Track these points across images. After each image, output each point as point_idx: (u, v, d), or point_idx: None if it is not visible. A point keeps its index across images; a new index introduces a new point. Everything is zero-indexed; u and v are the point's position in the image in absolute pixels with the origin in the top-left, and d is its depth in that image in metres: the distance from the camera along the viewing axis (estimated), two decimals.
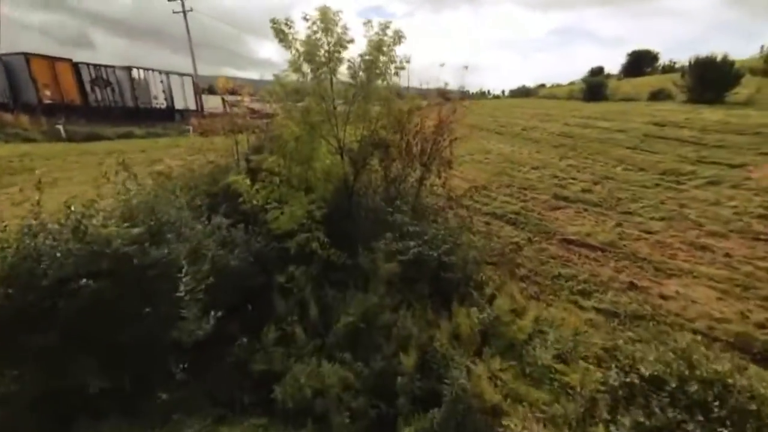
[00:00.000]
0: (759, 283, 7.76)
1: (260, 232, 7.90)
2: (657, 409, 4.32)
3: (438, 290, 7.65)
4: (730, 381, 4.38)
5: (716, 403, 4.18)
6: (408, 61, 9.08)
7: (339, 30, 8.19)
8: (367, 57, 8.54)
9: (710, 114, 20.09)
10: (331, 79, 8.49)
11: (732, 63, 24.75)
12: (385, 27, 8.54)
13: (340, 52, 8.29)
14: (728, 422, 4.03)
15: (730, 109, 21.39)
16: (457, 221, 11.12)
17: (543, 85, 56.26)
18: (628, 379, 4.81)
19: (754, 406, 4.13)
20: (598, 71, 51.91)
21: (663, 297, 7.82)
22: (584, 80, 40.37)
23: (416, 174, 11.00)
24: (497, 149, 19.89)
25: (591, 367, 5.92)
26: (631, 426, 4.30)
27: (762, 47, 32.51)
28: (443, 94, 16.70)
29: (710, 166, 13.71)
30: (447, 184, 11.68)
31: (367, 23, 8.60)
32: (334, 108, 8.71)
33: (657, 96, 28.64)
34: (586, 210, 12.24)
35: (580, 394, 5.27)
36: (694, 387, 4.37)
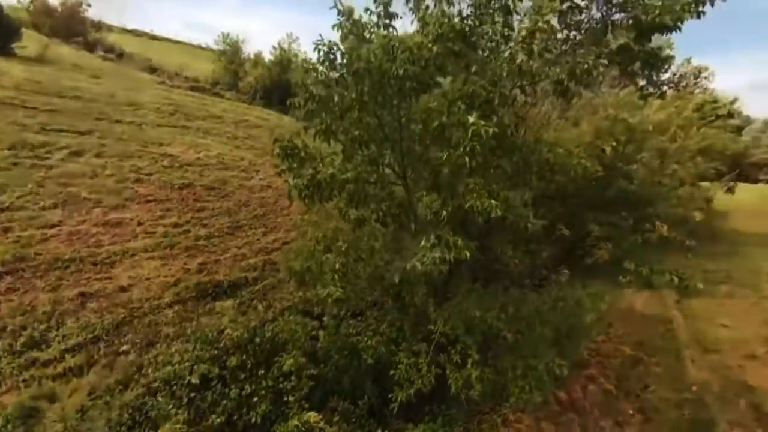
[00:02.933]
0: (176, 239, 9.54)
1: None
2: None
3: None
4: None
5: None
6: None
7: None
8: None
9: (15, 70, 17.81)
10: None
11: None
12: None
13: None
14: None
15: (29, 65, 20.04)
16: None
17: None
18: None
19: None
20: None
21: (123, 289, 7.56)
22: None
23: None
24: None
25: None
26: None
27: None
28: None
29: (60, 135, 12.97)
30: None
31: None
32: None
33: None
34: None
35: None
36: None
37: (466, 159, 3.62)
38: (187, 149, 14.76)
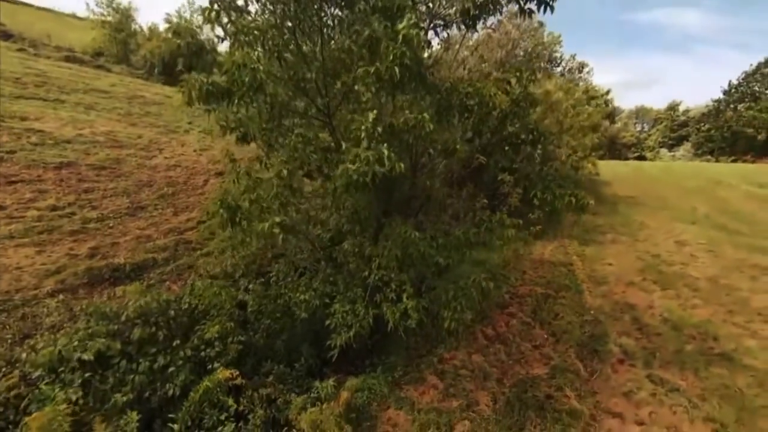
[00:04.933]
0: (55, 222, 7.90)
1: None
2: None
3: None
4: None
5: None
6: None
7: None
8: None
9: None
10: None
11: None
12: None
13: None
14: None
15: None
16: None
17: None
18: None
19: None
20: None
21: None
22: None
23: None
24: None
25: None
26: None
27: None
28: None
29: None
30: None
31: None
32: None
33: None
34: None
35: None
36: None
37: (396, 70, 3.51)
38: (63, 125, 12.29)
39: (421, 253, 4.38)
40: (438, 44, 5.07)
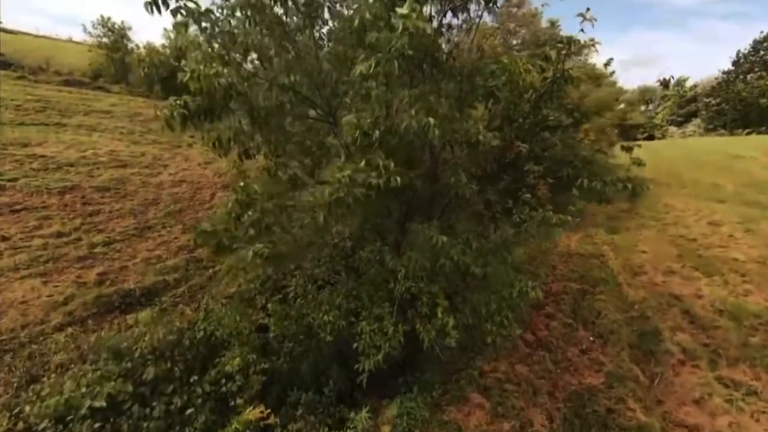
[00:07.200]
0: (61, 250, 7.55)
1: None
2: None
3: None
4: None
5: None
6: None
7: None
8: None
9: None
10: None
11: None
12: None
13: None
14: None
15: None
16: None
17: None
18: None
19: None
20: None
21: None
22: None
23: None
24: None
25: None
26: None
27: None
28: None
29: None
30: None
31: None
32: None
33: None
34: None
35: None
36: None
37: (396, 63, 2.99)
38: (65, 148, 12.02)
39: (455, 263, 3.84)
40: (457, 26, 4.57)
